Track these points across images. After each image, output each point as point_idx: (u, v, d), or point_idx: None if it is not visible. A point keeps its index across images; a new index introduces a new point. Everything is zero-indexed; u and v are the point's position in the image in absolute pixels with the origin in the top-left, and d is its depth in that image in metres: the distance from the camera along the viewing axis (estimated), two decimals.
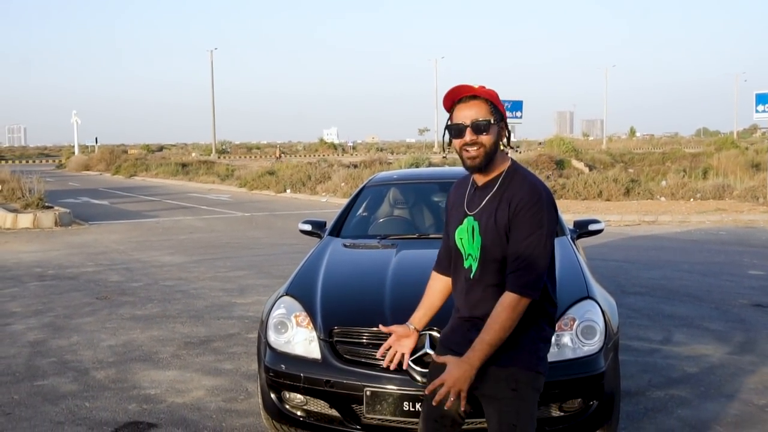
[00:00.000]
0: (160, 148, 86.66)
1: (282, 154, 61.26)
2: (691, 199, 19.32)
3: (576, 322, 3.81)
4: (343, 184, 24.38)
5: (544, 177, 23.79)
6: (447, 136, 2.70)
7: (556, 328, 3.77)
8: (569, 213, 15.46)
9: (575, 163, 38.90)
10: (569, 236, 5.20)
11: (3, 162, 48.94)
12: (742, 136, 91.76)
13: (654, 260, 10.53)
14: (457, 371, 2.50)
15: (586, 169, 35.44)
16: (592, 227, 5.53)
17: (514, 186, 2.64)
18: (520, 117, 20.95)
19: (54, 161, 66.81)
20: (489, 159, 2.63)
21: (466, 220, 2.70)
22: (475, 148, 2.60)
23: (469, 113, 2.61)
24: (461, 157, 2.66)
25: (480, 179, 2.71)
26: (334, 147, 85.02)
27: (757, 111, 18.60)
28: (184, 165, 40.50)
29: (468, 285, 2.69)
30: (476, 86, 2.63)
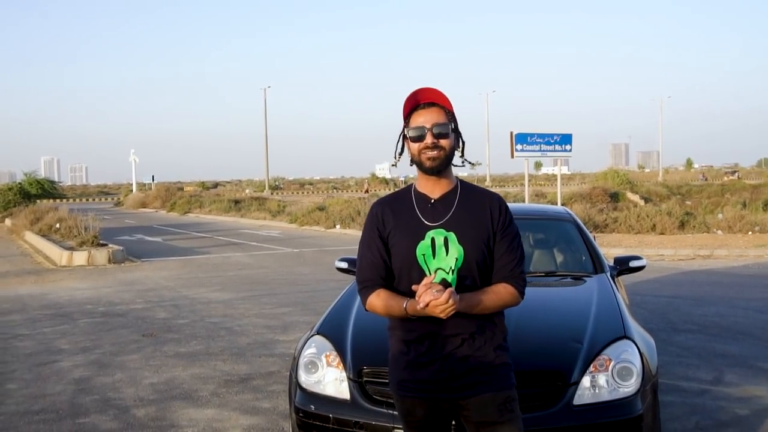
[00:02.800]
0: (215, 185, 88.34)
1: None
2: (750, 233, 18.79)
3: (612, 363, 3.70)
4: None
5: (598, 210, 23.43)
6: (400, 144, 2.75)
7: (591, 369, 3.68)
8: (620, 247, 15.19)
9: (630, 195, 38.35)
10: (608, 273, 5.09)
11: (64, 200, 50.40)
12: None
13: (707, 296, 10.22)
14: (463, 300, 2.53)
15: (642, 202, 34.88)
16: (633, 264, 5.39)
17: (479, 194, 2.74)
18: (570, 150, 20.73)
19: (113, 199, 68.65)
20: (447, 162, 2.67)
21: (429, 234, 2.64)
22: (436, 151, 2.63)
23: (429, 117, 2.64)
24: (419, 161, 2.66)
25: (435, 191, 2.70)
26: (386, 182, 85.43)
27: None
28: (236, 201, 41.17)
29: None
30: (437, 90, 2.68)
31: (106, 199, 72.21)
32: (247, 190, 63.86)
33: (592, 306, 4.24)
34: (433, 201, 2.70)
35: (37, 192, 38.29)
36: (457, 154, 2.74)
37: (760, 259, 14.64)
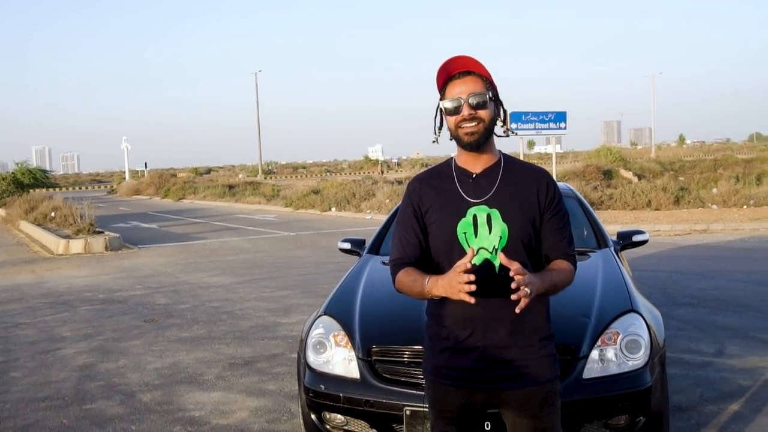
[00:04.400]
0: (208, 171, 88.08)
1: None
2: (744, 207, 18.85)
3: (620, 336, 3.71)
4: (387, 200, 24.40)
5: (592, 188, 23.46)
6: (438, 118, 2.57)
7: (600, 343, 3.69)
8: (617, 224, 15.19)
9: (623, 172, 38.36)
10: (612, 248, 5.10)
11: (57, 189, 50.21)
12: None
13: (706, 270, 10.27)
14: (536, 278, 2.32)
15: (635, 179, 34.90)
16: (636, 238, 5.40)
17: (525, 169, 2.58)
18: (564, 128, 20.74)
19: (106, 187, 68.37)
20: (488, 135, 2.49)
21: (471, 211, 2.47)
22: (474, 123, 2.44)
23: (464, 88, 2.45)
24: (457, 135, 2.49)
25: (476, 166, 2.53)
26: (379, 164, 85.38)
27: None
28: (231, 187, 41.05)
29: (489, 282, 2.38)
30: (471, 58, 2.48)
31: (99, 187, 71.92)
32: (240, 175, 63.69)
33: (597, 281, 4.25)
34: (474, 176, 2.52)
35: (29, 182, 38.16)
36: (499, 124, 2.54)
37: (756, 233, 14.70)
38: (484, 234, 2.45)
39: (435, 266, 2.53)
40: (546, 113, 20.27)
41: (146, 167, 66.39)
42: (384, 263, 5.04)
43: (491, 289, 2.37)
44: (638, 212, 19.25)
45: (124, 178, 62.60)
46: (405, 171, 58.38)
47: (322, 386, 3.83)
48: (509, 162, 2.58)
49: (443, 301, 2.45)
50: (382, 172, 56.97)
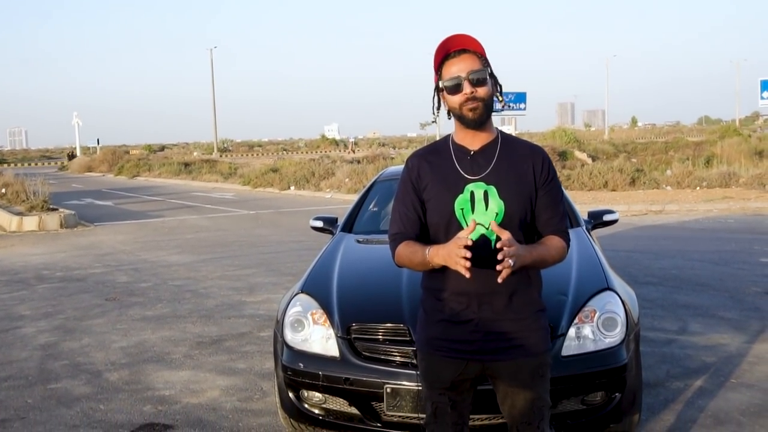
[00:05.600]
0: (162, 148, 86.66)
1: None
2: (698, 188, 19.25)
3: (597, 314, 3.76)
4: (347, 179, 24.33)
5: None
6: (435, 98, 2.58)
7: (576, 320, 3.73)
8: (578, 204, 15.38)
9: (578, 154, 38.80)
10: (584, 227, 5.15)
11: (5, 165, 48.93)
12: (744, 123, 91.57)
13: (664, 250, 10.47)
14: (523, 249, 2.37)
15: (589, 160, 35.34)
16: (606, 218, 5.47)
17: (521, 146, 2.61)
18: (524, 109, 20.89)
19: (56, 163, 66.87)
20: (489, 111, 2.51)
21: (468, 187, 2.50)
22: (476, 102, 2.46)
23: (463, 66, 2.46)
24: (460, 114, 2.49)
25: (474, 143, 2.55)
26: (335, 143, 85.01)
27: (762, 98, 18.54)
28: (186, 164, 40.48)
29: (485, 257, 2.40)
30: (467, 36, 2.50)
31: (49, 163, 70.24)
32: (195, 153, 62.72)
33: (573, 259, 4.28)
34: (472, 153, 2.54)
35: None
36: (497, 98, 2.58)
37: (710, 214, 15.04)
38: (480, 210, 2.49)
39: (433, 242, 2.54)
40: (506, 94, 20.33)
41: (98, 144, 65.04)
42: (358, 241, 5.04)
43: (487, 264, 2.38)
44: (595, 193, 19.53)
45: (75, 155, 61.26)
46: (363, 150, 58.14)
47: (301, 364, 3.81)
48: (506, 139, 2.61)
49: (439, 274, 2.51)
50: (353, 151, 56.65)
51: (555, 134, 46.89)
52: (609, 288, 3.96)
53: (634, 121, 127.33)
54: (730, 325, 6.36)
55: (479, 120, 2.49)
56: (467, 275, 2.26)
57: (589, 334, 3.71)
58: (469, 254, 2.25)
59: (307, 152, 66.73)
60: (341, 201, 20.84)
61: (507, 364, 2.52)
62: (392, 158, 33.65)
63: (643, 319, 6.44)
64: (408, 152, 33.78)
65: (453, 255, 2.28)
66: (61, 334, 6.82)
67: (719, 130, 53.55)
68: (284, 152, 70.10)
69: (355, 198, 6.14)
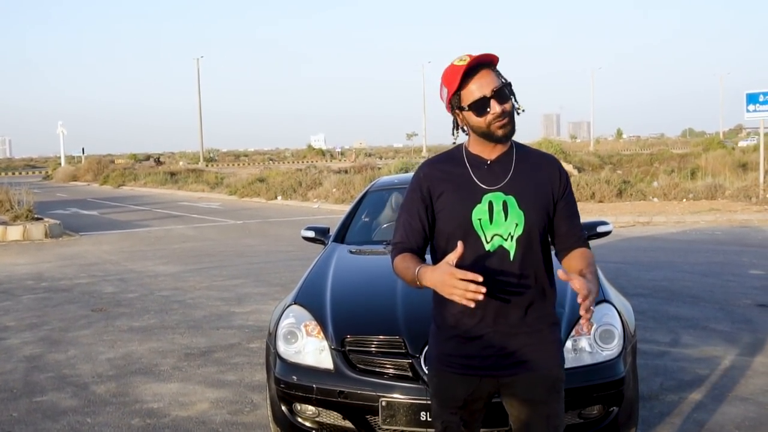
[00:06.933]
0: (148, 158, 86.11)
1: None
2: (684, 200, 19.33)
3: (594, 327, 3.72)
4: (334, 189, 24.27)
5: None
6: (454, 119, 2.48)
7: (573, 333, 3.69)
8: None
9: (564, 165, 38.92)
10: None
11: None
12: (728, 136, 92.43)
13: (653, 261, 10.48)
14: (594, 284, 2.30)
15: (575, 172, 35.43)
16: (600, 229, 5.43)
17: (537, 156, 2.56)
18: None
19: (41, 172, 66.39)
20: (515, 124, 2.45)
21: (486, 197, 2.43)
22: (504, 118, 2.39)
23: (484, 82, 2.37)
24: (487, 131, 2.40)
25: (491, 153, 2.47)
26: (322, 153, 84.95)
27: (747, 111, 18.63)
28: (172, 174, 40.31)
29: (503, 269, 2.39)
30: (481, 55, 2.41)
31: (33, 172, 69.70)
32: (181, 162, 62.53)
33: None
34: (489, 162, 2.47)
35: None
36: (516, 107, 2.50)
37: (697, 225, 15.09)
38: (500, 220, 2.43)
39: (443, 252, 2.46)
40: None
41: (83, 153, 64.65)
42: (351, 252, 4.98)
43: (504, 276, 2.35)
44: (582, 204, 19.55)
45: (60, 164, 60.86)
46: (348, 160, 58.11)
47: (294, 377, 3.74)
48: (521, 149, 2.56)
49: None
50: (355, 160, 56.41)
51: (541, 145, 46.96)
52: (606, 300, 3.92)
53: (619, 133, 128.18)
54: (722, 337, 6.35)
55: (509, 135, 2.44)
56: (471, 305, 2.15)
57: (586, 346, 3.67)
58: (483, 289, 2.13)
59: (293, 162, 66.62)
60: (329, 211, 20.78)
61: (522, 378, 2.45)
62: (379, 168, 33.65)
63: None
64: (395, 162, 33.76)
65: (447, 285, 2.16)
66: (46, 345, 6.71)
67: (703, 143, 53.95)
68: (271, 162, 69.91)
69: (346, 208, 6.09)
